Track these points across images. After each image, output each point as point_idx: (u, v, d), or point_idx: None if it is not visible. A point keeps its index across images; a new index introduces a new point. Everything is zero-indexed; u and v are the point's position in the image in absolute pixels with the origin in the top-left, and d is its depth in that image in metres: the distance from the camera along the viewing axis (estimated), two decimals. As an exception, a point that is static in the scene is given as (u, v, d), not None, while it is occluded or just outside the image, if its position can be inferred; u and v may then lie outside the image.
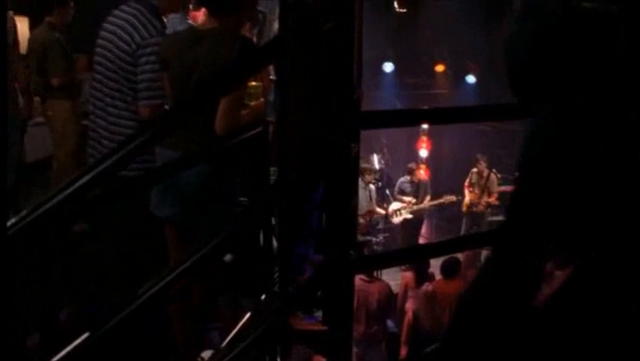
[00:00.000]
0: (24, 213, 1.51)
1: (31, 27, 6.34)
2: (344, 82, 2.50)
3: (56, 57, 5.05)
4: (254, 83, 3.08)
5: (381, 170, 10.52)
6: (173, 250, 3.19)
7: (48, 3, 5.36)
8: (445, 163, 12.16)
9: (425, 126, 12.13)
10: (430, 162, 11.32)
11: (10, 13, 4.91)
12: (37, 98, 5.42)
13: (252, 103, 3.08)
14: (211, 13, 2.98)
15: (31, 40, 5.25)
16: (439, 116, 3.42)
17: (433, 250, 4.19)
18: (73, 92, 5.19)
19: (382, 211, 9.93)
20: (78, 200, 1.62)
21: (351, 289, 2.60)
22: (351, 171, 2.61)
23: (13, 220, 1.47)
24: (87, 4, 5.70)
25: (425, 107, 11.59)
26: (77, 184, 1.61)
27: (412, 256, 4.27)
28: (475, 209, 10.45)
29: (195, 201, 2.95)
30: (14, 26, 4.89)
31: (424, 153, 11.27)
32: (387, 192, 10.45)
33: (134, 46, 3.16)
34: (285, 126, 2.52)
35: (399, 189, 10.30)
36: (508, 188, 11.43)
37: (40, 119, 5.55)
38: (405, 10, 8.08)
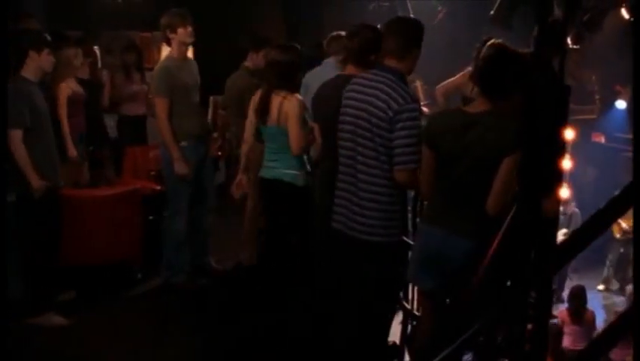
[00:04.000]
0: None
1: (196, 57, 6.71)
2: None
3: (254, 102, 5.28)
4: None
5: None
6: (425, 319, 3.32)
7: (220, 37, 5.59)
8: (587, 189, 11.79)
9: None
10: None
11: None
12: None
13: None
14: (485, 96, 3.09)
15: (229, 85, 5.55)
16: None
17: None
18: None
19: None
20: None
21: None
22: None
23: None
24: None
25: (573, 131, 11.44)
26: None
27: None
28: (630, 236, 10.14)
29: (458, 276, 3.07)
30: None
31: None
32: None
33: (390, 113, 3.23)
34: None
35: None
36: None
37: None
38: (578, 47, 8.12)
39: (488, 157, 3.00)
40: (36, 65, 4.42)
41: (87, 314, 4.78)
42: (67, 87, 5.20)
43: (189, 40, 5.04)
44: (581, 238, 2.44)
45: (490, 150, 3.00)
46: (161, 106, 4.97)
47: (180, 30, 4.95)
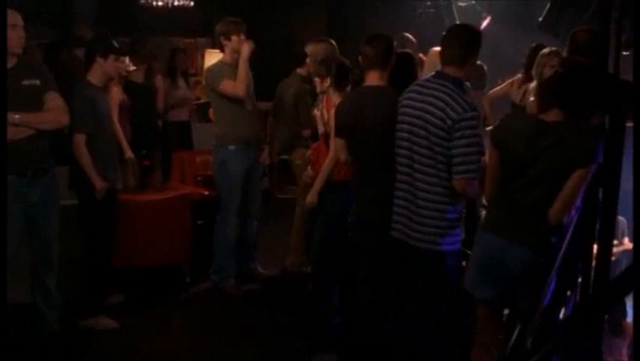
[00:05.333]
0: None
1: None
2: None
3: (307, 109, 5.27)
4: None
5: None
6: (482, 328, 3.31)
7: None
8: (631, 196, 11.57)
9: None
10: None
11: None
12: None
13: None
14: (562, 109, 3.07)
15: (280, 90, 5.56)
16: None
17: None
18: (320, 141, 5.44)
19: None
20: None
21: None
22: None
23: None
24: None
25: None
26: None
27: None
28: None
29: (517, 285, 3.05)
30: None
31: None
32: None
33: (449, 122, 3.20)
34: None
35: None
36: None
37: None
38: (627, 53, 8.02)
39: (559, 167, 2.99)
40: (102, 70, 4.54)
41: (137, 317, 4.83)
42: (119, 92, 5.25)
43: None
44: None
45: (561, 160, 2.99)
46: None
47: (234, 38, 5.04)
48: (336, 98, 4.39)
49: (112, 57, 4.53)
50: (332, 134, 4.21)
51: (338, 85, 4.39)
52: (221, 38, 5.10)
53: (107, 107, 4.67)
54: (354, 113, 3.81)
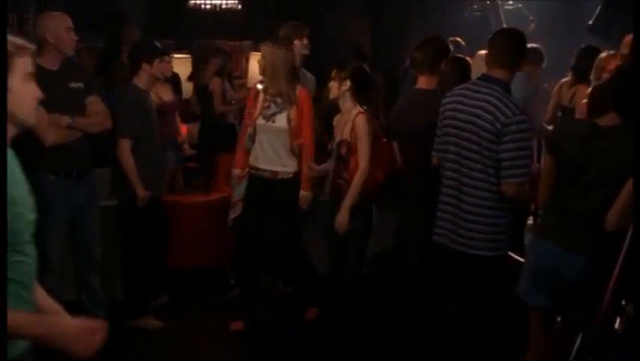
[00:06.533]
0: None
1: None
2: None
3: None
4: None
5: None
6: (534, 335, 3.26)
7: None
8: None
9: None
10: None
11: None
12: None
13: None
14: (620, 114, 3.02)
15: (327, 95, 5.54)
16: None
17: None
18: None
19: None
20: None
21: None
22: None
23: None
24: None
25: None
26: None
27: None
28: None
29: (571, 293, 3.00)
30: None
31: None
32: None
33: (498, 125, 3.18)
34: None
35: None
36: None
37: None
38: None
39: (615, 173, 2.92)
40: (148, 74, 4.53)
41: (183, 318, 4.88)
42: (155, 96, 5.20)
43: (305, 51, 5.19)
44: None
45: (617, 165, 2.93)
46: None
47: (296, 42, 5.06)
48: (351, 106, 4.08)
49: (157, 60, 4.55)
50: (364, 145, 3.92)
51: (359, 94, 4.08)
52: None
53: (154, 112, 4.65)
54: (402, 115, 3.99)
